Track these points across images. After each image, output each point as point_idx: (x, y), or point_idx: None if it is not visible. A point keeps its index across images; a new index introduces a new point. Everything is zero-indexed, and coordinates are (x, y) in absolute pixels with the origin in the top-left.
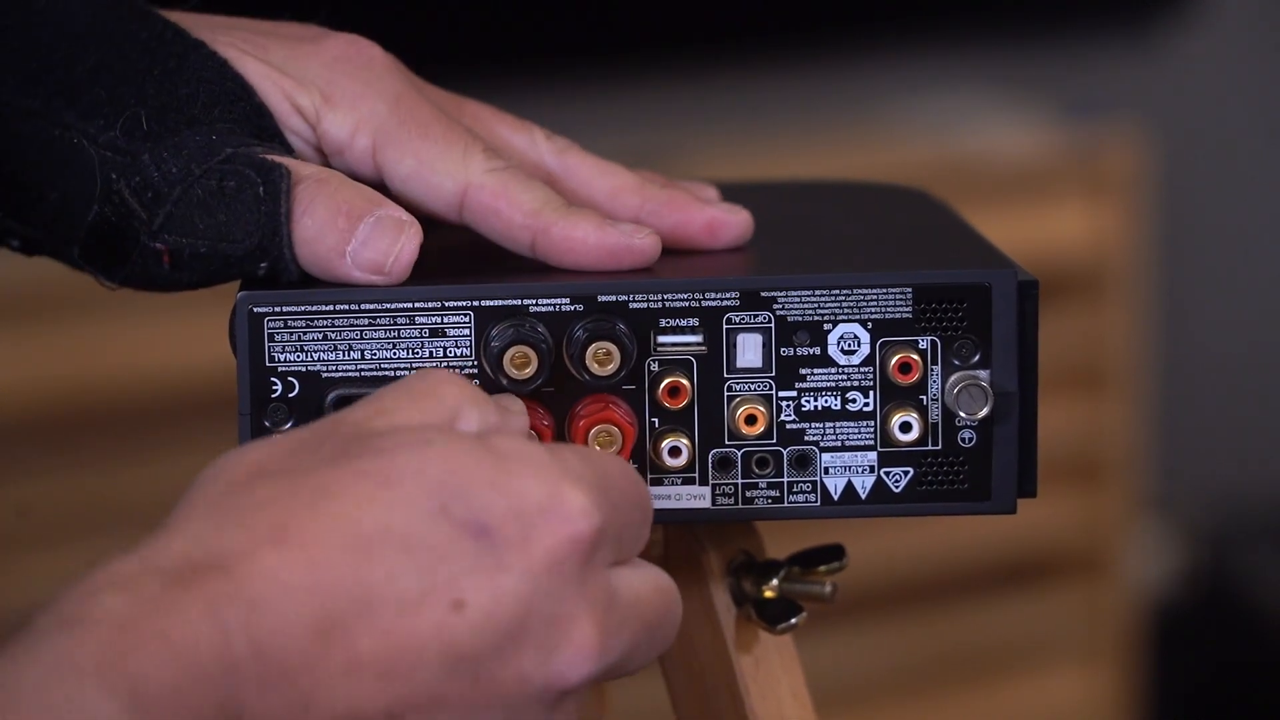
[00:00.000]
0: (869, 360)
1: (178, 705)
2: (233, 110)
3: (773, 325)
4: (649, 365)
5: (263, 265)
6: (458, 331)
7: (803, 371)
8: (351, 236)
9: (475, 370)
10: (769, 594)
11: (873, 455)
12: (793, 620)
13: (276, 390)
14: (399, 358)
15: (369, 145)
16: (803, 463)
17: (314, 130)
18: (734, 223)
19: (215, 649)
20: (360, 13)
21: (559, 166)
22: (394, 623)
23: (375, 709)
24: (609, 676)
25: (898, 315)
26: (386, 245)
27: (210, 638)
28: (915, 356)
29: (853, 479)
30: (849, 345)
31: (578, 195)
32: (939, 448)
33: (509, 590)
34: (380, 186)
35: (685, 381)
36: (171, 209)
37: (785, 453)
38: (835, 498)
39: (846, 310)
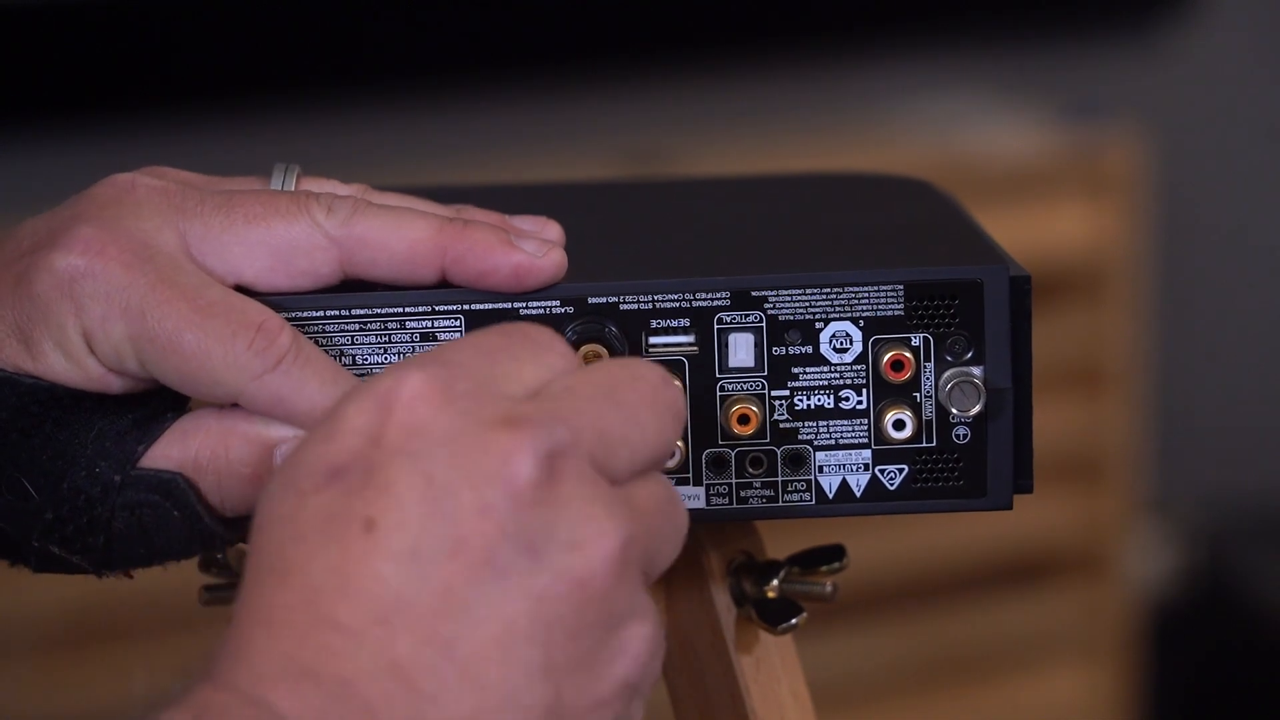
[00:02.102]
0: (861, 358)
1: None
2: (83, 411)
3: (764, 324)
4: None
5: (219, 550)
6: (448, 336)
7: (795, 370)
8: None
9: None
10: (769, 594)
11: (867, 453)
12: (793, 620)
13: None
14: (391, 363)
15: (137, 366)
16: (797, 462)
17: (110, 372)
18: (540, 267)
19: (224, 694)
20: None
21: (346, 239)
22: (339, 584)
23: (406, 648)
24: (636, 458)
25: (889, 312)
26: None
27: (214, 692)
28: (908, 354)
29: (847, 477)
30: (841, 343)
31: (375, 264)
32: (933, 445)
33: (392, 477)
34: None
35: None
36: (105, 552)
37: (779, 452)
38: (830, 496)
39: (838, 308)
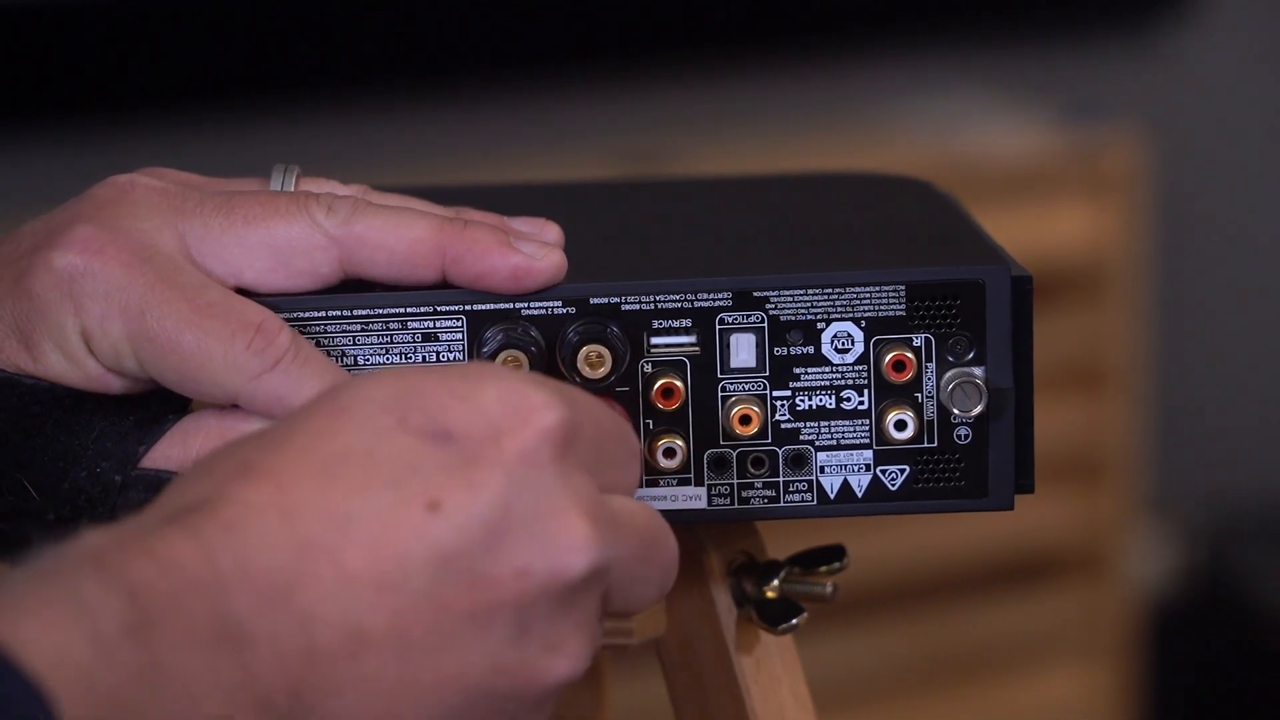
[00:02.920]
0: (863, 358)
1: (175, 609)
2: (85, 411)
3: (765, 325)
4: (642, 367)
5: None
6: (450, 336)
7: (796, 371)
8: None
9: None
10: (770, 595)
11: (868, 454)
12: (794, 621)
13: None
14: (392, 363)
15: (136, 366)
16: (798, 462)
17: (109, 372)
18: (539, 269)
19: (201, 565)
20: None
21: (346, 239)
22: (374, 534)
23: (378, 623)
24: (619, 604)
25: (891, 313)
26: None
27: (194, 555)
28: (909, 354)
29: (849, 478)
30: (842, 344)
31: (375, 263)
32: (934, 445)
33: (483, 484)
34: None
35: (679, 382)
36: None
37: (780, 452)
38: (831, 497)
39: (839, 309)
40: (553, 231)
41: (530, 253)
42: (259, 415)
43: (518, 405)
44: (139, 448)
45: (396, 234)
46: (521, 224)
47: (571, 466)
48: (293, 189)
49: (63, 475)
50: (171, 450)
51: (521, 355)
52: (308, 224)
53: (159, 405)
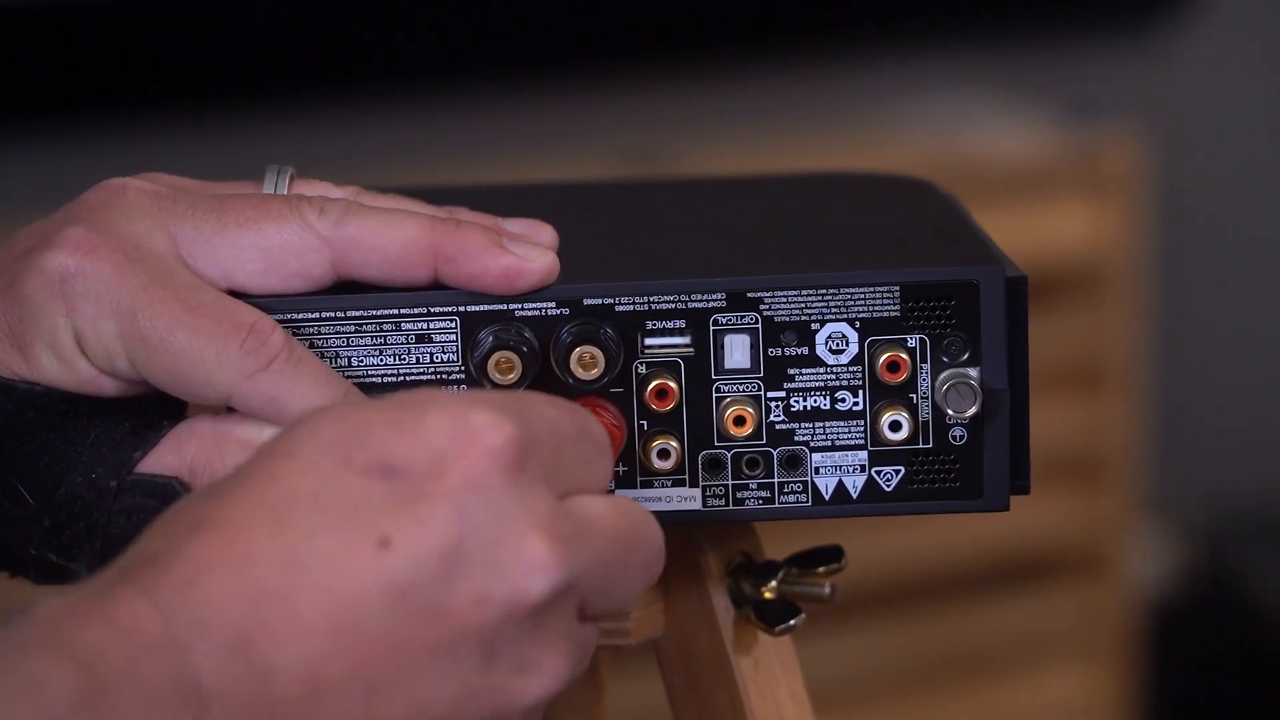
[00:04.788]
0: (857, 359)
1: (131, 676)
2: (79, 417)
3: (760, 326)
4: (636, 368)
5: None
6: (444, 337)
7: (791, 372)
8: None
9: (462, 376)
10: (768, 595)
11: (863, 454)
12: (791, 622)
13: None
14: (386, 364)
15: (128, 366)
16: (793, 463)
17: (102, 374)
18: (531, 270)
19: (157, 627)
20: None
21: (338, 241)
22: (327, 577)
23: (338, 668)
24: (600, 608)
25: (885, 314)
26: None
27: (149, 617)
28: (904, 355)
29: (844, 479)
30: (837, 345)
31: (367, 265)
32: (930, 446)
33: (431, 515)
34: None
35: (673, 383)
36: (102, 558)
37: (775, 453)
38: (826, 497)
39: (834, 310)
40: (546, 233)
41: (522, 254)
42: (252, 416)
43: (460, 430)
44: (134, 453)
45: (389, 235)
46: (515, 225)
47: (526, 484)
48: (286, 191)
49: (58, 481)
50: (166, 456)
51: (514, 356)
52: (300, 226)
53: (154, 411)
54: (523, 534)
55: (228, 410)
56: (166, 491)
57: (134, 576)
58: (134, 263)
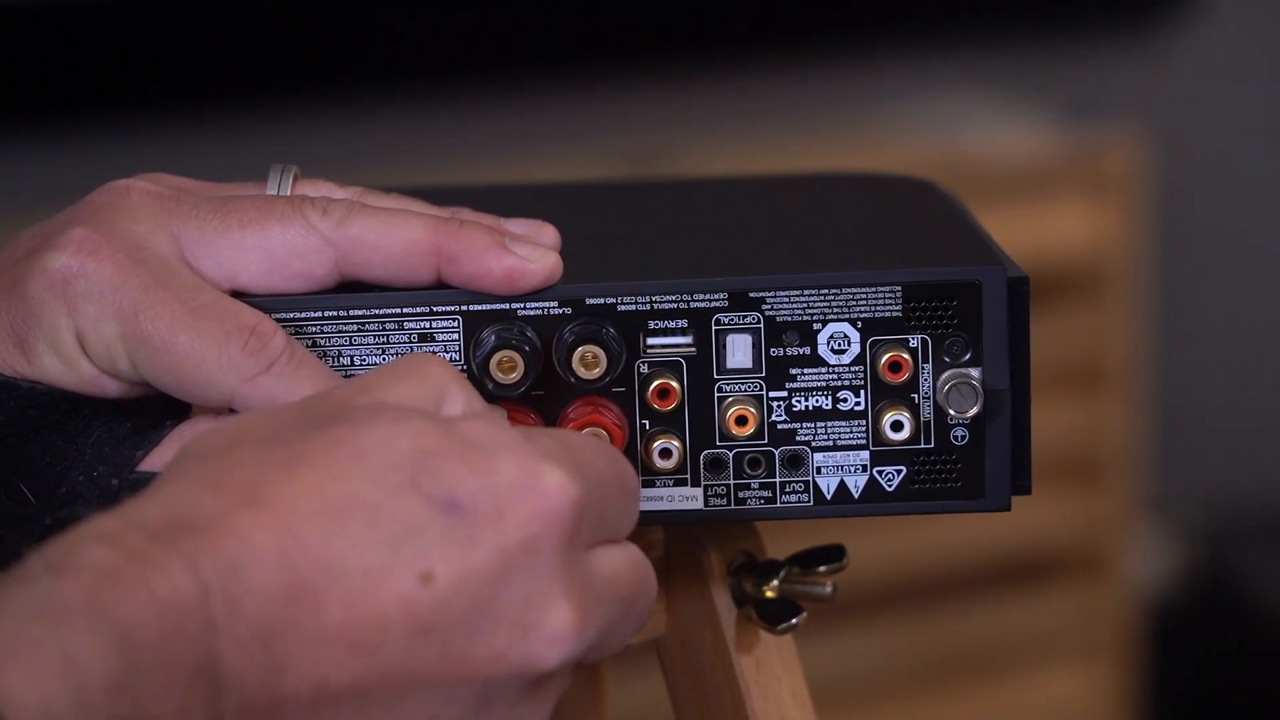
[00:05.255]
0: (859, 359)
1: (161, 656)
2: (82, 416)
3: (762, 326)
4: (638, 367)
5: None
6: (446, 336)
7: (793, 371)
8: None
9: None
10: (769, 595)
11: (865, 454)
12: (793, 621)
13: None
14: (390, 363)
15: (130, 367)
16: (795, 463)
17: (104, 374)
18: (534, 271)
19: (196, 606)
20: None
21: (341, 241)
22: (360, 592)
23: (342, 682)
24: (587, 659)
25: (887, 314)
26: None
27: (191, 594)
28: (905, 355)
29: (845, 478)
30: (839, 344)
31: (370, 265)
32: (931, 446)
33: (479, 564)
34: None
35: (674, 383)
36: None
37: (777, 453)
38: (828, 497)
39: (836, 309)
40: (549, 233)
41: (525, 254)
42: None
43: (529, 484)
44: (136, 452)
45: (391, 235)
46: (518, 225)
47: (571, 550)
48: (289, 191)
49: (59, 480)
50: (168, 455)
51: (517, 356)
52: (303, 227)
53: (156, 411)
54: (555, 602)
55: (230, 412)
56: None
57: (178, 541)
58: (136, 263)
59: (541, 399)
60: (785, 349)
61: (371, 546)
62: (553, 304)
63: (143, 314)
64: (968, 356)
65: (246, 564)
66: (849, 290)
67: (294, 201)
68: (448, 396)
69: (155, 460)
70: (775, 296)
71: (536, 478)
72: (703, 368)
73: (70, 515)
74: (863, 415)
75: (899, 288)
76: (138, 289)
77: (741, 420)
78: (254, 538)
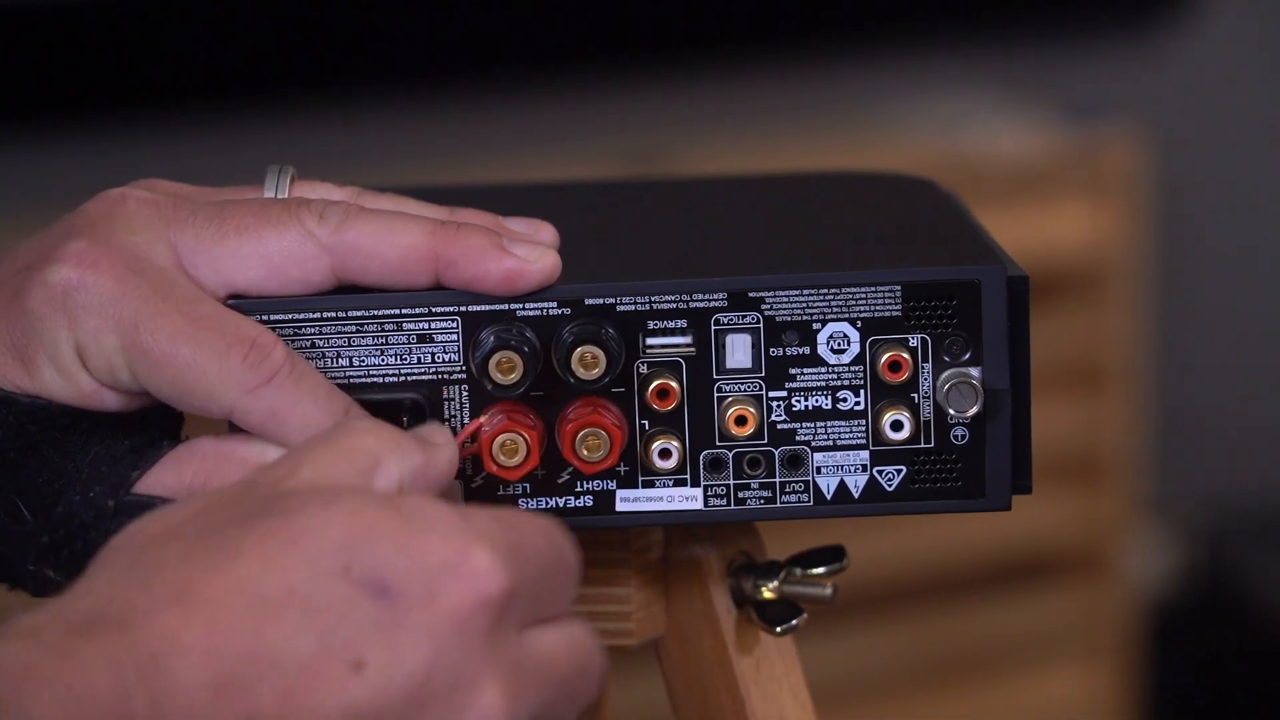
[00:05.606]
0: (859, 359)
1: None
2: (80, 433)
3: (761, 325)
4: (638, 367)
5: None
6: (445, 337)
7: (792, 371)
8: None
9: (464, 376)
10: (769, 595)
11: (865, 454)
12: (793, 622)
13: None
14: (387, 364)
15: (130, 379)
16: (795, 463)
17: (104, 387)
18: (532, 271)
19: (114, 704)
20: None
21: (338, 247)
22: (294, 684)
23: None
24: None
25: (887, 313)
26: None
27: (109, 692)
28: (905, 355)
29: (845, 478)
30: (838, 344)
31: (367, 270)
32: (931, 446)
33: (409, 650)
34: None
35: (674, 383)
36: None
37: (777, 453)
38: (828, 497)
39: (835, 309)
40: (547, 232)
41: (524, 255)
42: (255, 437)
43: (459, 567)
44: (133, 473)
45: (389, 241)
46: (516, 224)
47: (502, 633)
48: (286, 192)
49: (56, 497)
50: (166, 476)
51: (516, 356)
52: (300, 233)
53: (155, 429)
54: (485, 684)
55: (230, 430)
56: None
57: (101, 637)
58: (136, 275)
59: (541, 399)
60: (785, 349)
61: (303, 637)
62: (552, 304)
63: (143, 326)
64: (968, 356)
65: (172, 662)
66: (848, 290)
67: (290, 206)
68: (381, 467)
69: (152, 481)
70: (775, 296)
71: (466, 559)
72: (702, 368)
73: (66, 535)
74: (862, 415)
75: (899, 287)
76: (138, 300)
77: (741, 420)
78: (183, 636)
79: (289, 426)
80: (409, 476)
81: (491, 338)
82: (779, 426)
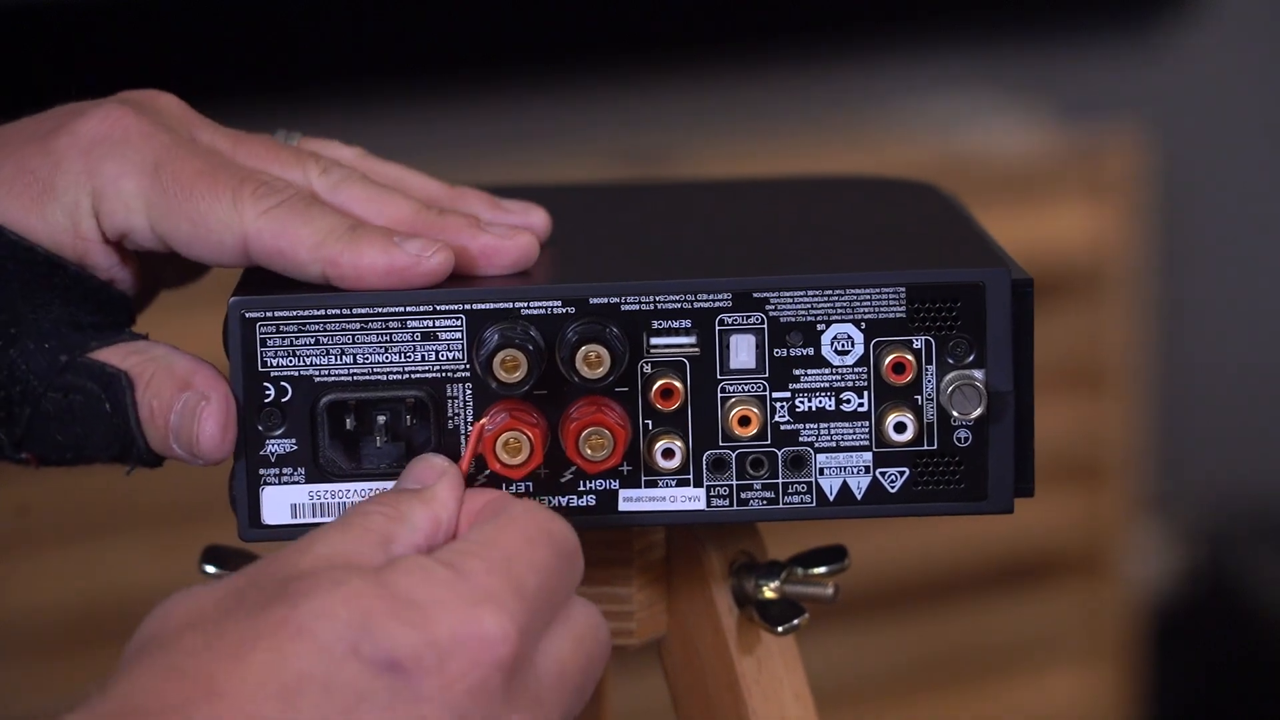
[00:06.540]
0: (863, 360)
1: None
2: (53, 289)
3: (765, 326)
4: (641, 367)
5: (128, 461)
6: (449, 335)
7: (796, 372)
8: (169, 431)
9: (468, 374)
10: (771, 595)
11: (868, 456)
12: (795, 622)
13: (269, 395)
14: (392, 361)
15: (145, 223)
16: (798, 464)
17: (105, 235)
18: (508, 248)
19: None
20: (361, 14)
21: (333, 200)
22: None
23: None
24: None
25: (891, 315)
26: (188, 433)
27: None
28: (909, 356)
29: (848, 480)
30: (842, 345)
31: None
32: (934, 448)
33: (433, 715)
34: (173, 255)
35: (678, 383)
36: (27, 427)
37: (780, 454)
38: (831, 498)
39: (840, 310)
40: (538, 215)
41: (499, 233)
42: (264, 261)
43: (469, 634)
44: (90, 342)
45: (378, 207)
46: (510, 205)
47: (520, 678)
48: (295, 143)
49: (11, 340)
50: (113, 357)
51: (520, 355)
52: (300, 175)
53: (115, 314)
54: None
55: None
56: (112, 380)
57: None
58: (161, 129)
59: (545, 398)
60: (789, 350)
61: (332, 714)
62: (556, 303)
63: (164, 167)
64: (971, 358)
65: None
66: (853, 291)
67: (300, 154)
68: (394, 540)
69: (105, 355)
70: (779, 297)
71: (475, 625)
72: (706, 368)
73: (9, 377)
74: (866, 416)
75: (903, 289)
76: (159, 147)
77: (744, 421)
78: None
79: (301, 242)
80: (423, 544)
81: (496, 336)
82: (782, 427)
